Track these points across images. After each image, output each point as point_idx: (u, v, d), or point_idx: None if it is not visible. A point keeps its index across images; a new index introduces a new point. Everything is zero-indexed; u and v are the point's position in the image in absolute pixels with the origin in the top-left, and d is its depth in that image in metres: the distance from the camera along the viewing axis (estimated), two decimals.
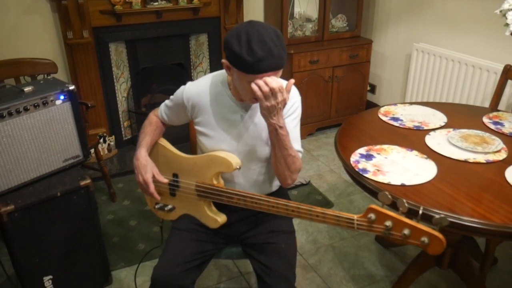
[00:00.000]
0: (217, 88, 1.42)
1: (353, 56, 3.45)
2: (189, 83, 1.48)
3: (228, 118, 1.41)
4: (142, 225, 2.50)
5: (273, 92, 1.18)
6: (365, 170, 1.52)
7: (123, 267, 2.18)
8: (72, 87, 1.84)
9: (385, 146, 1.69)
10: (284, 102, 1.22)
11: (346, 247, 2.33)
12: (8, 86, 2.17)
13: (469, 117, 1.98)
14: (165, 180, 1.48)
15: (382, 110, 2.06)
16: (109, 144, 3.17)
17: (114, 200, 2.73)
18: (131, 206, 2.69)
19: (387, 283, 2.08)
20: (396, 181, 1.46)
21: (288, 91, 1.23)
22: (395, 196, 1.29)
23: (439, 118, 1.95)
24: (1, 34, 2.73)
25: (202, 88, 1.44)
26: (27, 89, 1.77)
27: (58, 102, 1.80)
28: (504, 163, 1.56)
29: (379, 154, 1.64)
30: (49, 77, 2.44)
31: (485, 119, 1.93)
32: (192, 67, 3.44)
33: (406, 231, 1.07)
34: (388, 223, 1.09)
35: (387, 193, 1.10)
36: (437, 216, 1.04)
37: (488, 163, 1.57)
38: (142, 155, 1.46)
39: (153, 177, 1.45)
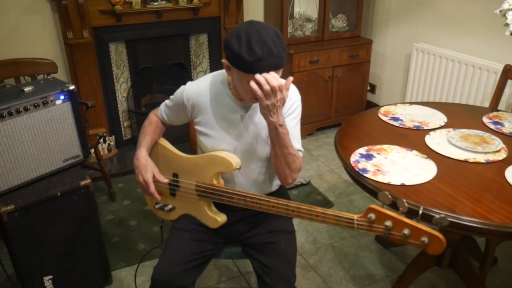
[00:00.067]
0: (217, 88, 1.42)
1: (353, 56, 3.45)
2: (189, 83, 1.48)
3: (228, 118, 1.41)
4: (142, 225, 2.50)
5: (273, 90, 1.18)
6: (365, 170, 1.52)
7: (123, 267, 2.18)
8: (72, 87, 1.84)
9: (385, 146, 1.69)
10: (283, 100, 1.22)
11: (346, 247, 2.33)
12: (8, 86, 2.17)
13: (469, 117, 1.98)
14: (165, 180, 1.48)
15: (382, 110, 2.06)
16: (109, 144, 3.17)
17: (114, 200, 2.73)
18: (131, 206, 2.69)
19: (387, 283, 2.08)
20: (396, 181, 1.46)
21: (287, 88, 1.23)
22: (395, 196, 1.29)
23: (439, 118, 1.95)
24: (1, 34, 2.73)
25: (202, 88, 1.44)
26: (27, 89, 1.77)
27: (58, 102, 1.80)
28: (504, 163, 1.56)
29: (379, 154, 1.64)
30: (49, 77, 2.44)
31: (485, 119, 1.93)
32: (192, 67, 3.44)
33: (406, 231, 1.07)
34: (388, 223, 1.09)
35: (387, 193, 1.10)
36: (437, 216, 1.04)
37: (488, 163, 1.57)
38: (142, 155, 1.46)
39: (153, 177, 1.45)
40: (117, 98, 3.21)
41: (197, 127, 1.46)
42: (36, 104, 1.73)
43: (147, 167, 1.44)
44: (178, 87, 1.50)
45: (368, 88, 3.73)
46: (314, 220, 1.23)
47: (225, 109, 1.41)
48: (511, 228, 1.25)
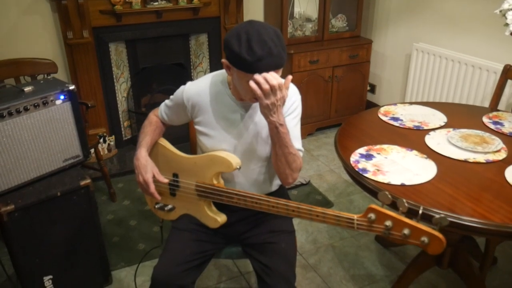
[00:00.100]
0: (217, 88, 1.42)
1: (353, 56, 3.45)
2: (189, 83, 1.48)
3: (228, 118, 1.41)
4: (142, 225, 2.50)
5: (272, 90, 1.18)
6: (365, 170, 1.52)
7: (123, 267, 2.18)
8: (72, 87, 1.84)
9: (385, 146, 1.69)
10: (283, 99, 1.22)
11: (346, 247, 2.33)
12: (8, 86, 2.17)
13: (469, 117, 1.98)
14: (165, 180, 1.48)
15: (382, 110, 2.06)
16: (109, 144, 3.17)
17: (114, 200, 2.73)
18: (131, 206, 2.69)
19: (387, 283, 2.08)
20: (396, 181, 1.46)
21: (287, 87, 1.23)
22: (395, 196, 1.29)
23: (439, 118, 1.95)
24: (1, 34, 2.73)
25: (202, 87, 1.44)
26: (27, 89, 1.77)
27: (58, 102, 1.80)
28: (504, 163, 1.57)
29: (379, 154, 1.64)
30: (49, 77, 2.44)
31: (485, 119, 1.93)
32: (192, 67, 3.44)
33: (406, 231, 1.07)
34: (388, 223, 1.09)
35: (387, 193, 1.10)
36: (437, 216, 1.04)
37: (488, 163, 1.57)
38: (142, 155, 1.46)
39: (153, 177, 1.45)
40: (117, 98, 3.21)
41: (197, 127, 1.47)
42: (36, 104, 1.73)
43: (147, 167, 1.44)
44: (178, 87, 1.50)
45: (368, 88, 3.74)
46: (314, 220, 1.23)
47: (225, 109, 1.41)
48: (511, 228, 1.25)
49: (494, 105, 2.20)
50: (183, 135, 2.62)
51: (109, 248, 2.24)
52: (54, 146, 1.83)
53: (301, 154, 1.41)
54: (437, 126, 1.87)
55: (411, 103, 2.13)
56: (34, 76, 2.55)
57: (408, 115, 1.99)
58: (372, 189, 1.44)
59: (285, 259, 1.43)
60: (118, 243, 2.36)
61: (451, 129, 1.81)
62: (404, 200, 1.08)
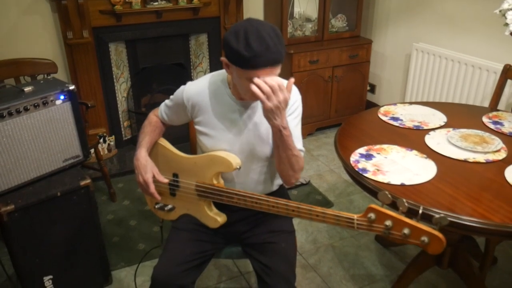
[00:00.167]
0: (217, 88, 1.42)
1: (353, 56, 3.45)
2: (189, 83, 1.48)
3: (228, 117, 1.41)
4: (142, 225, 2.50)
5: (273, 91, 1.18)
6: (365, 170, 1.52)
7: (123, 267, 2.18)
8: (72, 87, 1.84)
9: (385, 146, 1.69)
10: (285, 101, 1.22)
11: (346, 246, 2.33)
12: (8, 86, 2.17)
13: (468, 116, 1.98)
14: (165, 180, 1.48)
15: (382, 110, 2.06)
16: (109, 144, 3.17)
17: (114, 200, 2.73)
18: (131, 206, 2.69)
19: (387, 283, 2.08)
20: (396, 180, 1.46)
21: (289, 90, 1.23)
22: (395, 195, 1.29)
23: (439, 117, 1.95)
24: (1, 34, 2.73)
25: (202, 87, 1.44)
26: (27, 89, 1.77)
27: (58, 102, 1.80)
28: (504, 163, 1.57)
29: (379, 153, 1.64)
30: (49, 77, 2.44)
31: (485, 119, 1.93)
32: (192, 67, 3.44)
33: (406, 231, 1.07)
34: (388, 222, 1.09)
35: (387, 192, 1.10)
36: (437, 215, 1.04)
37: (488, 162, 1.57)
38: (142, 155, 1.46)
39: (153, 177, 1.45)
40: (117, 98, 3.21)
41: (197, 127, 1.47)
42: (36, 104, 1.73)
43: (147, 167, 1.45)
44: (178, 87, 1.50)
45: (368, 88, 3.74)
46: (314, 220, 1.23)
47: (225, 109, 1.41)
48: (511, 227, 1.26)
49: (494, 105, 2.20)
50: (183, 135, 2.62)
51: (109, 248, 2.24)
52: (54, 146, 1.83)
53: (302, 154, 1.41)
54: (437, 126, 1.87)
55: (411, 103, 2.13)
56: (34, 76, 2.55)
57: (408, 115, 1.99)
58: (372, 189, 1.44)
59: (285, 259, 1.43)
60: (118, 243, 2.36)
61: (451, 129, 1.81)
62: (404, 200, 1.08)
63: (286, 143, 1.29)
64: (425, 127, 1.86)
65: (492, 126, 1.86)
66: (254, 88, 1.18)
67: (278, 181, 1.55)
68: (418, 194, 1.39)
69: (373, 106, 3.15)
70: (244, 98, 1.36)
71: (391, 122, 1.93)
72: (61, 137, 1.85)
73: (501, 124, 1.88)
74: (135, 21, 2.99)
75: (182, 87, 1.48)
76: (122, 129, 3.32)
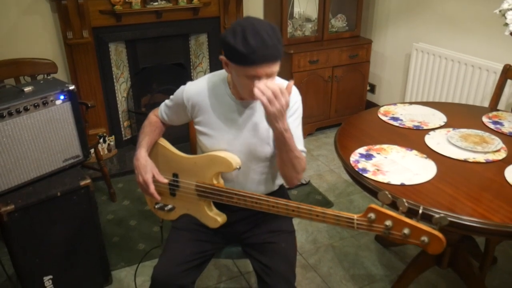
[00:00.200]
0: (217, 88, 1.42)
1: (353, 56, 3.45)
2: (189, 83, 1.48)
3: (228, 117, 1.41)
4: (142, 225, 2.50)
5: (276, 95, 1.17)
6: (364, 170, 1.52)
7: (123, 267, 2.18)
8: (72, 87, 1.84)
9: (384, 146, 1.69)
10: (287, 104, 1.22)
11: (346, 246, 2.33)
12: (8, 86, 2.17)
13: (468, 116, 1.98)
14: (165, 180, 1.48)
15: (381, 110, 2.06)
16: (109, 144, 3.17)
17: (114, 200, 2.73)
18: (131, 206, 2.69)
19: (386, 283, 2.08)
20: (395, 180, 1.46)
21: (289, 93, 1.22)
22: (395, 195, 1.29)
23: (439, 117, 1.95)
24: (1, 34, 2.73)
25: (202, 87, 1.44)
26: (27, 89, 1.77)
27: (58, 102, 1.80)
28: (504, 163, 1.57)
29: (378, 153, 1.64)
30: (49, 77, 2.44)
31: (485, 119, 1.93)
32: (192, 67, 3.44)
33: (406, 231, 1.07)
34: (388, 222, 1.09)
35: (387, 192, 1.10)
36: (437, 215, 1.04)
37: (488, 162, 1.57)
38: (142, 155, 1.46)
39: (153, 177, 1.45)
40: (117, 98, 3.21)
41: (197, 127, 1.47)
42: (36, 104, 1.73)
43: (146, 168, 1.45)
44: (178, 87, 1.50)
45: (368, 88, 3.74)
46: (314, 220, 1.23)
47: (225, 109, 1.41)
48: (511, 227, 1.26)
49: (493, 105, 2.20)
50: (183, 135, 2.62)
51: (109, 248, 2.24)
52: (54, 146, 1.83)
53: (304, 155, 1.42)
54: (437, 126, 1.87)
55: (411, 103, 2.13)
56: (34, 76, 2.55)
57: (408, 115, 1.99)
58: (372, 189, 1.44)
59: (285, 259, 1.43)
60: (118, 243, 2.36)
61: (451, 129, 1.81)
62: (404, 200, 1.08)
63: (289, 145, 1.29)
64: (425, 127, 1.86)
65: (492, 126, 1.86)
66: (257, 92, 1.18)
67: (278, 181, 1.55)
68: (418, 194, 1.39)
69: (373, 106, 3.15)
70: (244, 98, 1.36)
71: (391, 122, 1.93)
72: (61, 137, 1.85)
73: (501, 124, 1.88)
74: (135, 21, 2.99)
75: (182, 87, 1.48)
76: (122, 129, 3.32)
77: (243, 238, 1.53)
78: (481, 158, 1.60)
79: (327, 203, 2.68)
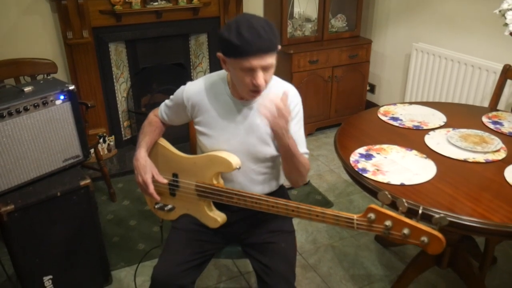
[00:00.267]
0: (217, 88, 1.42)
1: (353, 56, 3.46)
2: (189, 83, 1.48)
3: (228, 118, 1.41)
4: (142, 225, 2.50)
5: (279, 112, 1.21)
6: (364, 170, 1.53)
7: (123, 267, 2.19)
8: (72, 87, 1.84)
9: (384, 146, 1.69)
10: (288, 113, 1.24)
11: (346, 246, 2.33)
12: (8, 86, 2.17)
13: (468, 116, 1.98)
14: (165, 181, 1.48)
15: (381, 110, 2.06)
16: (109, 144, 3.17)
17: (114, 200, 2.73)
18: (131, 206, 2.69)
19: (386, 283, 2.08)
20: (395, 180, 1.46)
21: (286, 99, 1.24)
22: (394, 195, 1.29)
23: (439, 117, 1.95)
24: (1, 34, 2.73)
25: (202, 87, 1.44)
26: (27, 89, 1.77)
27: (58, 102, 1.80)
28: (503, 163, 1.57)
29: (378, 153, 1.64)
30: (49, 77, 2.44)
31: (485, 119, 1.93)
32: (192, 67, 3.44)
33: (405, 231, 1.07)
34: (388, 222, 1.09)
35: (386, 192, 1.10)
36: (436, 215, 1.04)
37: (488, 162, 1.57)
38: (142, 156, 1.46)
39: (153, 177, 1.45)
40: (117, 98, 3.21)
41: (197, 127, 1.47)
42: (36, 104, 1.73)
43: (146, 168, 1.45)
44: (178, 87, 1.50)
45: (368, 88, 3.74)
46: (313, 220, 1.23)
47: (225, 109, 1.41)
48: (511, 227, 1.26)
49: (493, 105, 2.20)
50: (183, 135, 2.62)
51: (109, 248, 2.24)
52: (54, 146, 1.83)
53: (307, 156, 1.43)
54: (437, 126, 1.87)
55: (410, 103, 2.13)
56: (34, 76, 2.55)
57: (408, 115, 1.99)
58: (371, 189, 1.45)
59: (285, 259, 1.43)
60: (118, 243, 2.36)
61: (450, 129, 1.81)
62: (404, 200, 1.08)
63: (294, 153, 1.32)
64: (425, 127, 1.86)
65: (491, 126, 1.86)
66: (262, 110, 1.22)
67: (278, 181, 1.55)
68: (418, 194, 1.39)
69: (373, 106, 3.15)
70: (243, 97, 1.36)
71: (391, 122, 1.93)
72: (61, 137, 1.85)
73: (500, 124, 1.88)
74: (135, 21, 2.99)
75: (182, 87, 1.48)
76: (122, 129, 3.32)
77: (243, 238, 1.53)
78: (480, 158, 1.60)
79: (327, 203, 2.68)
